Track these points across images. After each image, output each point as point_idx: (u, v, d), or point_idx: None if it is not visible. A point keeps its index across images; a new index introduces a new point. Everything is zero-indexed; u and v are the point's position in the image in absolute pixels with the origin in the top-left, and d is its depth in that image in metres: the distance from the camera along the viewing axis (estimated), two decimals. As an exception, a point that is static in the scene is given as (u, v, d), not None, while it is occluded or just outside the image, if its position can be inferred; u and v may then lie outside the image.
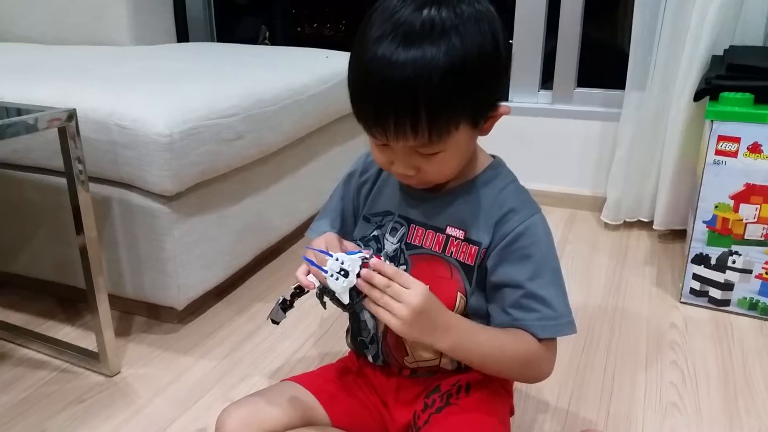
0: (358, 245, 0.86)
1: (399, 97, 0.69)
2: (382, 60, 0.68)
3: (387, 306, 0.71)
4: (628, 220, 1.83)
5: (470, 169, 0.83)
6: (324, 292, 0.76)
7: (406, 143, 0.72)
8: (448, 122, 0.71)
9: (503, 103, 0.77)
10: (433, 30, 0.68)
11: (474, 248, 0.80)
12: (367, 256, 0.74)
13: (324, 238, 0.82)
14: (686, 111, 1.58)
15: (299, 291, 0.81)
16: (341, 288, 0.72)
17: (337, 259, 0.73)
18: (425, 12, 0.68)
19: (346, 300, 0.73)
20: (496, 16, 0.73)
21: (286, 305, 0.84)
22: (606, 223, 1.85)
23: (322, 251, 0.76)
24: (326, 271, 0.73)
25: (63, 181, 1.08)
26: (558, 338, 0.80)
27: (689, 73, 1.56)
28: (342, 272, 0.72)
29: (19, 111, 1.02)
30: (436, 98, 0.69)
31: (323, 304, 0.79)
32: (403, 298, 0.70)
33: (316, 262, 0.75)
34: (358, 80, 0.73)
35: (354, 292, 0.73)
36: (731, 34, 1.54)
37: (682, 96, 1.58)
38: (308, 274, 0.78)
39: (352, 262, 0.72)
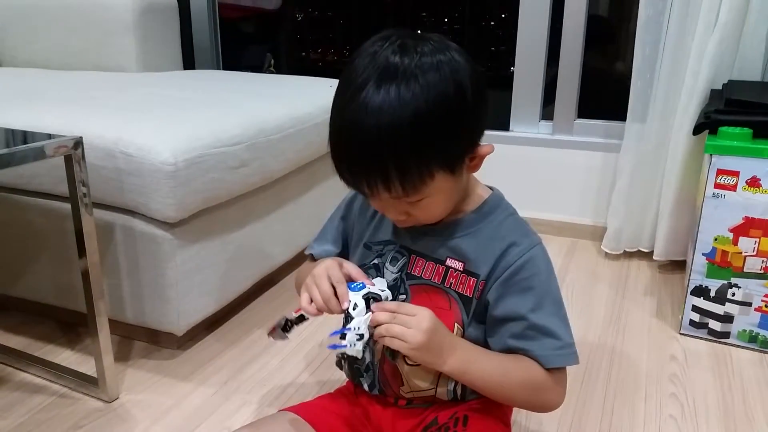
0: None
1: (366, 159, 0.71)
2: (351, 123, 0.71)
3: (398, 335, 0.74)
4: (628, 250, 1.84)
5: (469, 203, 0.84)
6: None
7: (384, 197, 0.74)
8: (420, 175, 0.72)
9: (484, 143, 0.78)
10: (394, 86, 0.69)
11: (472, 280, 0.81)
12: (372, 288, 0.79)
13: (325, 268, 0.81)
14: (686, 144, 1.60)
15: (302, 318, 0.83)
16: (358, 351, 0.78)
17: (352, 329, 0.77)
18: (388, 66, 0.70)
19: (361, 356, 0.80)
20: (462, 63, 0.73)
21: (287, 328, 0.85)
22: (606, 253, 1.85)
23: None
24: (345, 345, 0.77)
25: (66, 206, 1.09)
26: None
27: (688, 107, 1.58)
28: (358, 337, 0.77)
29: (26, 138, 1.03)
30: (401, 154, 0.70)
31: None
32: (413, 325, 0.74)
33: (320, 297, 0.79)
34: (332, 143, 0.76)
35: (366, 344, 0.78)
36: (730, 68, 1.56)
37: (682, 129, 1.60)
38: (311, 302, 0.80)
39: (364, 323, 0.76)
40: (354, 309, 0.77)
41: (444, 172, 0.74)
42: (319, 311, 0.79)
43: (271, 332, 0.87)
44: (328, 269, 0.80)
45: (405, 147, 0.70)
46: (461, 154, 0.75)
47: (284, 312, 0.85)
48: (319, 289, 0.79)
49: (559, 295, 0.82)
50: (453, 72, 0.71)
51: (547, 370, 0.79)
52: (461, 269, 0.82)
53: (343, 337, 0.77)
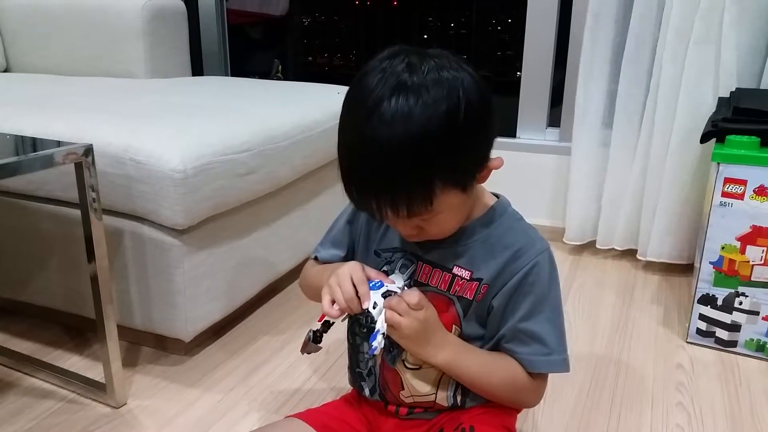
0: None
1: (379, 176, 0.71)
2: (368, 139, 0.71)
3: (394, 323, 0.78)
4: (640, 258, 1.83)
5: (475, 210, 0.85)
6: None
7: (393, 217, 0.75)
8: (428, 197, 0.72)
9: (494, 156, 0.78)
10: (407, 104, 0.68)
11: (475, 284, 0.83)
12: (390, 286, 0.81)
13: (348, 269, 0.82)
14: (692, 152, 1.60)
15: (327, 324, 0.86)
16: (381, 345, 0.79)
17: (379, 330, 0.79)
18: (398, 84, 0.69)
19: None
20: (469, 79, 0.72)
21: (317, 339, 0.88)
22: (613, 260, 1.85)
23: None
24: (375, 348, 0.79)
25: (76, 212, 1.09)
26: (557, 374, 0.84)
27: (693, 114, 1.58)
28: (383, 335, 0.79)
29: (36, 145, 1.04)
30: (416, 172, 0.70)
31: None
32: (410, 314, 0.78)
33: (343, 298, 0.80)
34: (345, 160, 0.76)
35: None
36: (735, 76, 1.56)
37: (689, 137, 1.60)
38: (333, 303, 0.81)
39: (382, 321, 0.79)
40: (374, 307, 0.78)
41: (455, 190, 0.74)
42: (342, 312, 0.80)
43: (303, 348, 0.89)
44: (351, 271, 0.81)
45: (421, 165, 0.70)
46: (472, 171, 0.76)
47: (309, 326, 0.89)
48: (342, 289, 0.80)
49: (558, 302, 0.84)
50: (461, 89, 0.70)
51: (530, 373, 0.82)
52: (468, 278, 0.83)
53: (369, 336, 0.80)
